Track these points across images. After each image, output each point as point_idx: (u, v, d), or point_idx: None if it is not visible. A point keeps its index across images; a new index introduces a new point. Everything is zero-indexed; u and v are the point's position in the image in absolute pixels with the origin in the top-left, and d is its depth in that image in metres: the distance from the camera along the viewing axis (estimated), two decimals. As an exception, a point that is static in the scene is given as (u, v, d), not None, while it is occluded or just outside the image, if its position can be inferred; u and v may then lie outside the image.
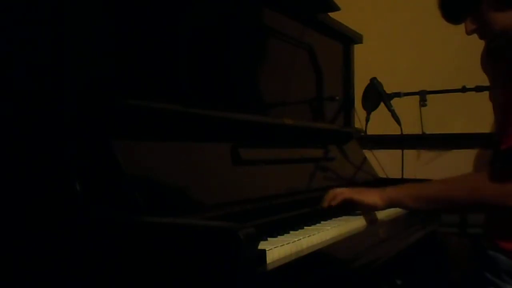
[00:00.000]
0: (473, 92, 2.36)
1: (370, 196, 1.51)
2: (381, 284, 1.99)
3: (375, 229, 1.59)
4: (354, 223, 1.53)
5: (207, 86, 1.51)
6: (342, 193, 1.53)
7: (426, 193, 1.48)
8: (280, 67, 1.87)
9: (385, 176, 2.34)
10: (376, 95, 2.34)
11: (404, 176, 2.36)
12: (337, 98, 2.24)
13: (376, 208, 1.52)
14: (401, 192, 1.50)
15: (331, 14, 2.12)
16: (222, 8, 1.59)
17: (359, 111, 2.37)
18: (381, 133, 2.68)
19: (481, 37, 1.48)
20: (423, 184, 1.57)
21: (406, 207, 1.55)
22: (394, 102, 2.39)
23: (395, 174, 2.37)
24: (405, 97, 2.48)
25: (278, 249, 1.14)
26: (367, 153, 2.34)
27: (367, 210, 1.57)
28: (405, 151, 2.41)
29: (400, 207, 1.57)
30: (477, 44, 1.56)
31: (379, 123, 2.40)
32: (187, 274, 0.99)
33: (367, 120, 2.36)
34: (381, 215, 1.65)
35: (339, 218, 1.56)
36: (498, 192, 1.35)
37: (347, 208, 1.55)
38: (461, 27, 1.47)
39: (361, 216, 1.58)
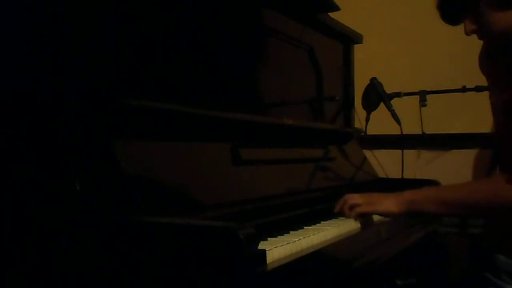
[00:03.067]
0: (473, 92, 2.35)
1: (384, 205, 1.48)
2: (381, 284, 1.99)
3: (375, 229, 1.59)
4: (354, 223, 1.53)
5: (207, 86, 1.51)
6: (357, 205, 1.50)
7: (448, 197, 1.45)
8: (280, 67, 1.87)
9: (385, 176, 2.34)
10: (376, 95, 2.34)
11: (404, 176, 2.36)
12: (337, 98, 2.24)
13: (393, 214, 1.50)
14: (420, 196, 1.47)
15: (331, 14, 2.12)
16: (222, 8, 1.59)
17: (359, 111, 2.36)
18: (381, 133, 2.68)
19: (480, 38, 1.48)
20: (442, 188, 1.54)
21: (425, 211, 1.49)
22: (394, 102, 2.39)
23: (395, 174, 2.37)
24: (405, 97, 2.48)
25: (278, 249, 1.14)
26: (367, 153, 2.34)
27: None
28: (405, 151, 2.40)
29: (418, 211, 1.51)
30: (477, 44, 1.56)
31: (379, 123, 2.39)
32: (187, 274, 0.99)
33: (367, 120, 2.36)
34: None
35: (339, 218, 1.56)
36: None
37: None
38: (462, 27, 1.46)
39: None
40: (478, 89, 2.31)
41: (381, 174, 2.34)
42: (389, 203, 1.47)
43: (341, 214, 1.54)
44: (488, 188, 1.40)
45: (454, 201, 1.44)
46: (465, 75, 2.26)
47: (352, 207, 1.50)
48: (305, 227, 1.40)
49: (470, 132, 2.77)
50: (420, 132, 2.64)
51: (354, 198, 1.52)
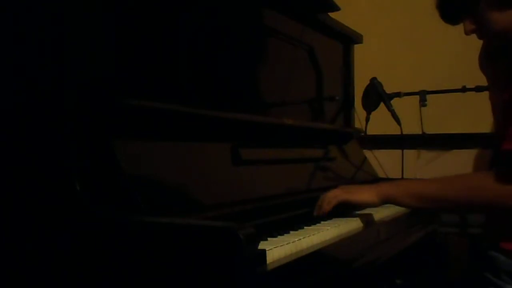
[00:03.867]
0: (473, 92, 2.36)
1: (364, 194, 1.50)
2: (381, 284, 1.99)
3: (375, 229, 1.59)
4: (354, 223, 1.53)
5: (207, 86, 1.51)
6: (336, 196, 1.52)
7: (425, 192, 1.47)
8: (280, 67, 1.87)
9: (385, 176, 2.34)
10: (376, 95, 2.34)
11: (404, 176, 2.36)
12: (337, 98, 2.24)
13: (372, 204, 1.52)
14: (398, 189, 1.49)
15: (331, 14, 2.12)
16: (222, 8, 1.59)
17: (359, 111, 2.37)
18: (381, 133, 2.68)
19: (480, 37, 1.48)
20: (421, 182, 1.55)
21: (402, 204, 1.53)
22: (394, 102, 2.39)
23: (395, 174, 2.37)
24: (405, 97, 2.48)
25: (278, 249, 1.14)
26: (367, 153, 2.34)
27: (363, 208, 1.57)
28: (405, 151, 2.41)
29: (396, 204, 1.56)
30: (477, 44, 1.56)
31: (379, 123, 2.40)
32: (187, 274, 0.99)
33: (367, 120, 2.36)
34: (381, 215, 1.65)
35: (339, 218, 1.56)
36: (500, 193, 1.35)
37: (344, 209, 1.55)
38: (462, 27, 1.46)
39: (361, 217, 1.58)
40: (478, 89, 2.31)
41: (381, 174, 2.34)
42: (368, 193, 1.50)
43: (335, 214, 1.55)
44: (468, 186, 1.41)
45: (433, 197, 1.45)
46: (465, 75, 2.26)
47: (330, 201, 1.51)
48: (305, 227, 1.40)
49: (470, 132, 2.77)
50: (420, 132, 2.64)
51: (332, 192, 1.53)
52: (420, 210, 1.80)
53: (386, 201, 1.51)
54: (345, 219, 1.55)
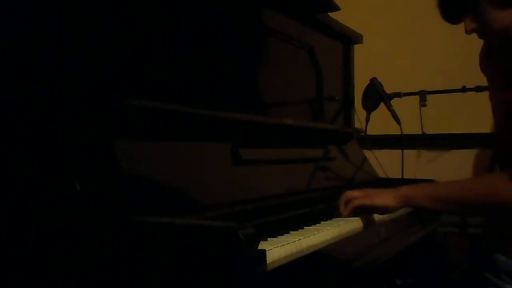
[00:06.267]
0: (473, 92, 2.36)
1: (381, 198, 1.49)
2: (381, 284, 1.99)
3: (375, 229, 1.59)
4: (354, 223, 1.53)
5: (207, 86, 1.51)
6: (354, 198, 1.51)
7: (445, 194, 1.45)
8: (280, 67, 1.87)
9: (385, 176, 2.34)
10: (376, 95, 2.34)
11: (404, 176, 2.36)
12: (337, 98, 2.24)
13: (387, 209, 1.50)
14: (418, 192, 1.47)
15: (331, 14, 2.12)
16: (222, 8, 1.59)
17: (359, 111, 2.37)
18: (381, 133, 2.68)
19: (480, 36, 1.48)
20: (440, 185, 1.53)
21: (422, 207, 1.50)
22: (394, 102, 2.39)
23: (395, 174, 2.37)
24: (405, 97, 2.48)
25: (278, 249, 1.14)
26: (367, 153, 2.34)
27: (379, 213, 1.56)
28: (405, 151, 2.40)
29: (415, 207, 1.52)
30: (477, 44, 1.56)
31: (379, 123, 2.40)
32: (187, 274, 0.99)
33: (367, 120, 2.36)
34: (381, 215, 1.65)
35: (339, 218, 1.56)
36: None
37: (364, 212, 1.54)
38: (462, 27, 1.46)
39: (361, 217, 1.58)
40: (478, 89, 2.32)
41: (381, 174, 2.34)
42: (386, 196, 1.48)
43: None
44: (485, 186, 1.40)
45: (450, 198, 1.44)
46: (465, 75, 2.26)
47: (348, 202, 1.51)
48: (305, 227, 1.40)
49: (470, 132, 2.77)
50: (420, 132, 2.64)
51: (353, 193, 1.52)
52: (438, 213, 1.79)
53: (405, 204, 1.48)
54: (345, 219, 1.55)
